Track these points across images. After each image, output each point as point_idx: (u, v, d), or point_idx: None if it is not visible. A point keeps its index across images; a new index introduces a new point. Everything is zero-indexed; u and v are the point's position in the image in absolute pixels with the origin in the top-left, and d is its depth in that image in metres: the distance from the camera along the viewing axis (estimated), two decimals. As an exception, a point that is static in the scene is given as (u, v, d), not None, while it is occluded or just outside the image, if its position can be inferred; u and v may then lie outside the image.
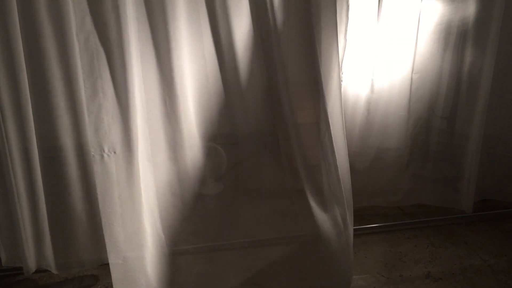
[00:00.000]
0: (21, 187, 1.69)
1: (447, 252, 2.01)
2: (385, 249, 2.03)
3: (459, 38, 2.05)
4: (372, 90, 2.06)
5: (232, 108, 1.69)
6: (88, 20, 1.36)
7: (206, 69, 1.62)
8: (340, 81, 1.64)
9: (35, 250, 1.78)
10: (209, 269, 1.75)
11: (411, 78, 2.11)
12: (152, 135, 1.59)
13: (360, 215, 2.18)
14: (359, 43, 1.97)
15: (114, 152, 1.46)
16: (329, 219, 1.70)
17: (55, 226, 1.78)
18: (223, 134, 1.73)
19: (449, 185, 2.28)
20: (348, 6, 1.70)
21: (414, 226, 2.21)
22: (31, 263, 1.78)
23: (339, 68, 1.67)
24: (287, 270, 1.79)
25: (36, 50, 1.55)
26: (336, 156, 1.67)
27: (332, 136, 1.64)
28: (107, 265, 1.54)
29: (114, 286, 1.51)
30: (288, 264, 1.78)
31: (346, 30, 1.73)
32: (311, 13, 1.54)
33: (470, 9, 2.00)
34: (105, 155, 1.45)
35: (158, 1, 1.47)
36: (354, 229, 1.77)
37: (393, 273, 1.86)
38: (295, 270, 1.78)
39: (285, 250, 1.83)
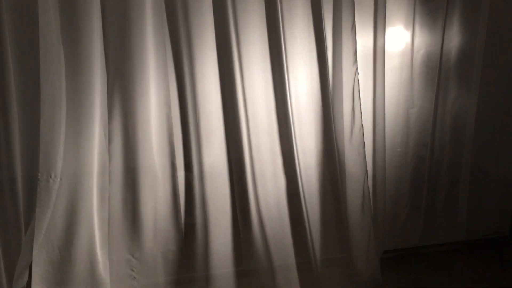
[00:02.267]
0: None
1: (430, 279, 2.00)
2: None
3: (443, 72, 2.06)
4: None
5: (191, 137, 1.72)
6: (57, 47, 1.45)
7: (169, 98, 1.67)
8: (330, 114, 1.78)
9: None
10: None
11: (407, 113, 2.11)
12: (112, 162, 1.61)
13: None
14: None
15: (60, 179, 1.50)
16: None
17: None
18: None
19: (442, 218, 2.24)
20: (355, 39, 1.76)
21: (396, 254, 2.20)
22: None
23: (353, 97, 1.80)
24: None
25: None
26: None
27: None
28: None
29: None
30: None
31: (355, 60, 1.77)
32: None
33: (454, 43, 2.05)
34: (50, 180, 1.48)
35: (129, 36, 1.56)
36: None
37: (375, 302, 1.85)
38: None
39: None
